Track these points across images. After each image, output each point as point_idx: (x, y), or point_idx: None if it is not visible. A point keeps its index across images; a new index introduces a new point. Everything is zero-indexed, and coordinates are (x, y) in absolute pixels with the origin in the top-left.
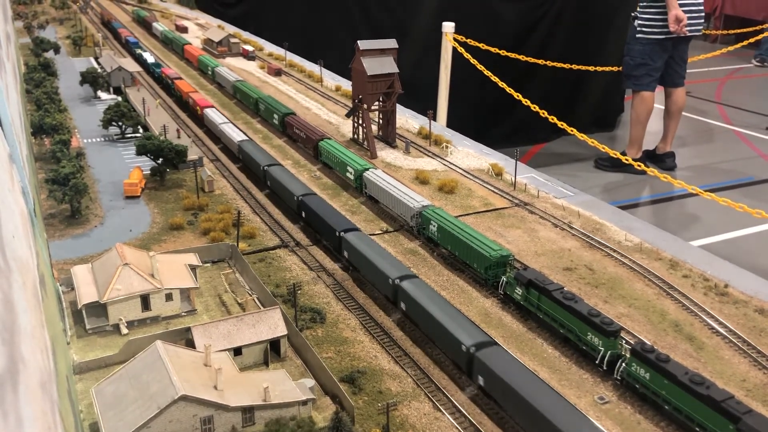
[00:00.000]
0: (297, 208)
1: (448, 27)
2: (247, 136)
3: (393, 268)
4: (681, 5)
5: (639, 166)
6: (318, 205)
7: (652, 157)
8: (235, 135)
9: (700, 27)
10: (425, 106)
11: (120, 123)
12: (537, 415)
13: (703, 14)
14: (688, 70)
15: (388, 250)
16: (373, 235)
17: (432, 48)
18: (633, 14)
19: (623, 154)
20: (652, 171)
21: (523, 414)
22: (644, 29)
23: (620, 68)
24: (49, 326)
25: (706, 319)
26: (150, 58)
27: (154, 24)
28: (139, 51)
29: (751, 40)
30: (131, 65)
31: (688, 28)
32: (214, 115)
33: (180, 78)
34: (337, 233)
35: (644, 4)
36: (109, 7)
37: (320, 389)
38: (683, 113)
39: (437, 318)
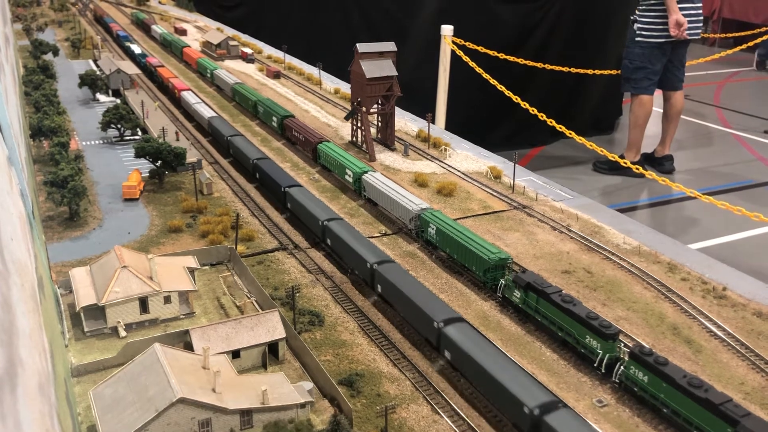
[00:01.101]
0: (282, 198)
1: (447, 30)
2: (216, 112)
3: (370, 253)
4: (680, 9)
5: (637, 169)
6: (299, 193)
7: (650, 160)
8: (206, 112)
9: (699, 31)
10: (424, 109)
11: (119, 125)
12: (496, 384)
13: (702, 18)
14: (688, 73)
15: (387, 252)
16: (372, 237)
17: (430, 51)
18: (632, 18)
19: (621, 157)
20: (650, 174)
21: (484, 383)
22: (644, 33)
23: (619, 71)
24: (48, 329)
25: (705, 322)
26: (137, 50)
27: (153, 27)
28: (128, 43)
29: (750, 44)
30: (130, 68)
31: (688, 32)
32: (189, 96)
33: (162, 66)
34: (321, 222)
35: (643, 7)
36: (107, 9)
37: (318, 392)
38: (681, 116)
39: (411, 299)
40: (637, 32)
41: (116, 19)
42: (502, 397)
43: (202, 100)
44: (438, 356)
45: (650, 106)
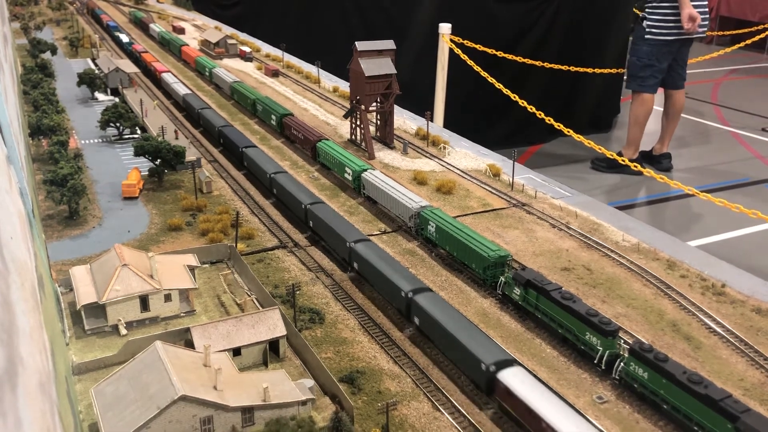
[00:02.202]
0: (268, 183)
1: (445, 28)
2: (191, 89)
3: (349, 232)
4: (668, 8)
5: (635, 167)
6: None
7: (648, 158)
8: (181, 90)
9: (706, 28)
10: (422, 107)
11: (118, 124)
12: (457, 344)
13: (708, 16)
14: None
15: (386, 251)
16: (372, 235)
17: (429, 49)
18: (641, 14)
19: (619, 154)
20: (648, 172)
21: (448, 345)
22: (653, 30)
23: (618, 70)
24: (48, 327)
25: (704, 318)
26: (125, 38)
27: (151, 25)
28: (117, 33)
29: (749, 42)
30: (128, 66)
31: (699, 28)
32: (168, 77)
33: (146, 52)
34: (304, 206)
35: (653, 4)
36: (105, 8)
37: (319, 389)
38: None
39: (383, 272)
40: (647, 29)
41: (112, 17)
42: (463, 356)
43: (180, 80)
44: (416, 332)
45: (652, 104)
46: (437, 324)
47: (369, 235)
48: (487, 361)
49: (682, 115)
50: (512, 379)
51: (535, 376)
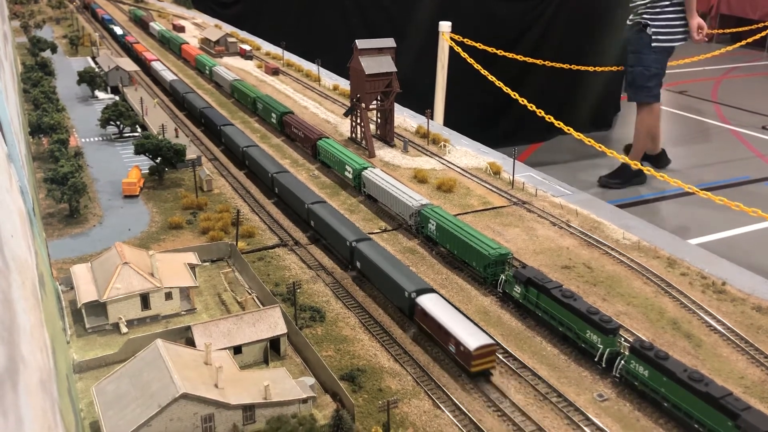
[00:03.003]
0: (218, 135)
1: (445, 26)
2: (178, 76)
3: (307, 194)
4: (669, 13)
5: (648, 170)
6: (232, 130)
7: (648, 160)
8: (169, 76)
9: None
10: (423, 105)
11: (118, 122)
12: (387, 278)
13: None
14: (684, 70)
15: (387, 248)
16: (372, 233)
17: (429, 47)
18: (642, 23)
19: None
20: (661, 176)
21: (381, 281)
22: (660, 37)
23: (618, 68)
24: (49, 325)
25: (704, 316)
26: (119, 30)
27: (151, 24)
28: (111, 26)
29: (749, 40)
30: (129, 65)
31: (679, 37)
32: (157, 65)
33: (138, 42)
34: (270, 174)
35: (657, 10)
36: (105, 6)
37: (320, 387)
38: (678, 111)
39: (330, 225)
40: (654, 37)
41: (107, 11)
42: (392, 287)
43: (167, 67)
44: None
45: (660, 113)
46: (373, 264)
47: (369, 234)
48: (409, 289)
49: (683, 113)
50: (427, 302)
51: (448, 301)
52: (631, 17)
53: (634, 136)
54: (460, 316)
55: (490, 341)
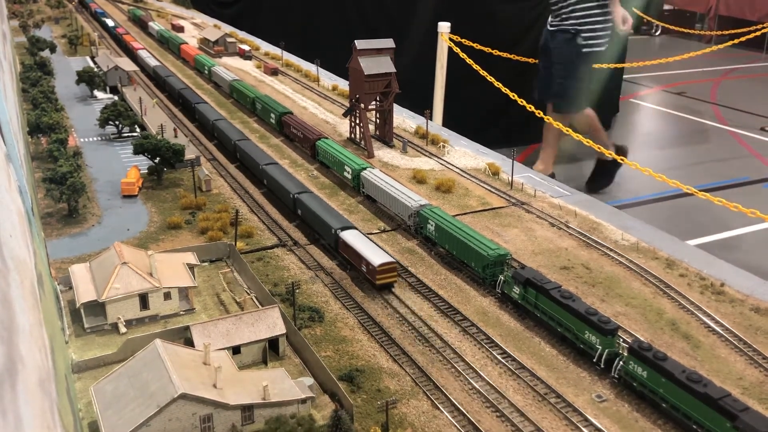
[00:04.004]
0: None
1: (444, 27)
2: (161, 62)
3: (262, 156)
4: (599, 15)
5: (648, 171)
6: (224, 124)
7: (600, 167)
8: (152, 62)
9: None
10: (422, 105)
11: (117, 122)
12: (319, 220)
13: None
14: (684, 70)
15: (385, 248)
16: (371, 234)
17: (428, 48)
18: (571, 30)
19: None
20: (647, 171)
21: (315, 222)
22: (590, 42)
23: (618, 66)
24: (48, 325)
25: (703, 317)
26: (111, 23)
27: (150, 23)
28: (104, 18)
29: (744, 38)
30: (128, 64)
31: (601, 41)
32: (143, 53)
33: (128, 33)
34: (233, 142)
35: (584, 13)
36: (104, 6)
37: (319, 388)
38: (678, 113)
39: (276, 179)
40: (584, 43)
41: (104, 8)
42: (323, 226)
43: (153, 55)
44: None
45: (594, 115)
46: (309, 210)
47: (368, 234)
48: (334, 227)
49: (682, 114)
50: (348, 235)
51: (365, 234)
52: (551, 20)
53: (595, 138)
54: (372, 245)
55: (392, 260)
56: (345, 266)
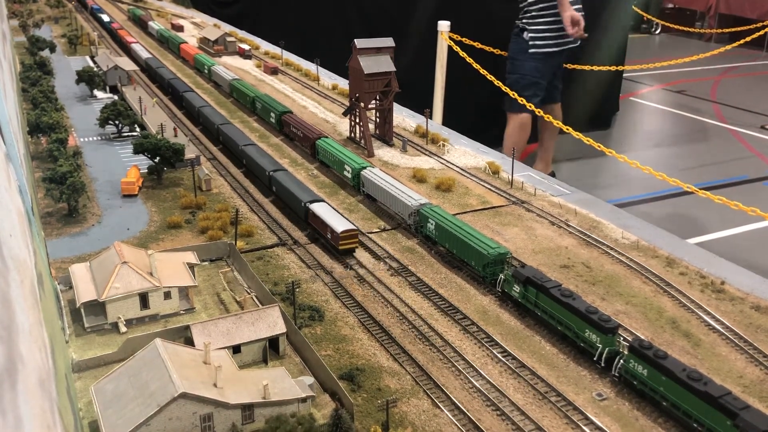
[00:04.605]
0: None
1: (444, 26)
2: (152, 53)
3: (241, 138)
4: (550, 16)
5: (648, 170)
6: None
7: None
8: (144, 54)
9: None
10: (422, 104)
11: (117, 122)
12: (291, 194)
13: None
14: (683, 69)
15: (386, 248)
16: (371, 233)
17: (428, 47)
18: (518, 26)
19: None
20: (660, 175)
21: (287, 197)
22: (537, 42)
23: (618, 67)
24: (48, 325)
25: (703, 316)
26: (106, 18)
27: (150, 23)
28: (100, 14)
29: (748, 39)
30: (127, 64)
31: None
32: (136, 47)
33: (122, 28)
34: (216, 126)
35: (533, 14)
36: (105, 6)
37: (319, 387)
38: (677, 111)
39: (254, 159)
40: (530, 42)
41: (107, 12)
42: (293, 199)
43: (144, 47)
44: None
45: (530, 126)
46: (282, 186)
47: (369, 233)
48: (304, 199)
49: (681, 112)
50: (316, 207)
51: (331, 206)
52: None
53: (504, 147)
54: (337, 215)
55: (353, 227)
56: (314, 236)
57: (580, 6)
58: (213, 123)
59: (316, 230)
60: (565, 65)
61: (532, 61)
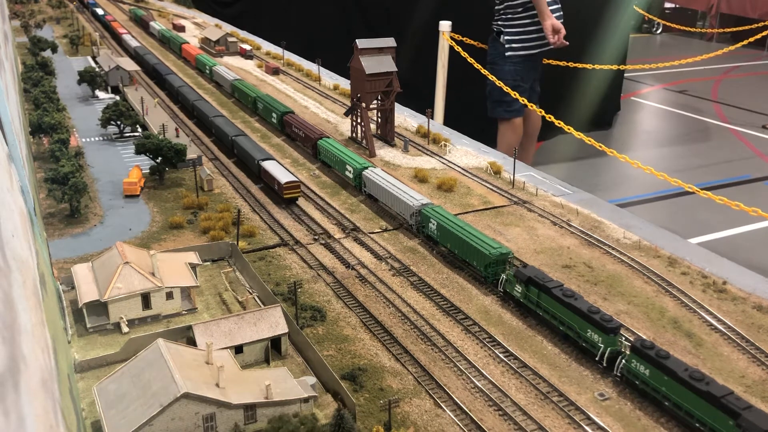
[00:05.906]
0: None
1: (445, 26)
2: (141, 42)
3: (210, 109)
4: (527, 18)
5: (649, 170)
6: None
7: None
8: (134, 43)
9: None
10: (423, 104)
11: (118, 122)
12: (246, 153)
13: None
14: (684, 69)
15: (387, 248)
16: (373, 233)
17: (429, 47)
18: (496, 29)
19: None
20: (649, 169)
21: (245, 157)
22: (514, 45)
23: (619, 66)
24: (50, 325)
25: (705, 315)
26: (100, 11)
27: (152, 23)
28: (95, 8)
29: (751, 39)
30: (129, 64)
31: (547, 41)
32: (127, 37)
33: (115, 20)
34: (191, 102)
35: (509, 16)
36: (106, 6)
37: (321, 387)
38: (678, 111)
39: (243, 147)
40: (507, 46)
41: (113, 15)
42: (249, 159)
43: (135, 38)
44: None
45: (521, 129)
46: (241, 148)
47: (370, 233)
48: (257, 158)
49: (683, 112)
50: (267, 164)
51: (280, 164)
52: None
53: (499, 149)
54: (284, 170)
55: (295, 179)
56: (266, 191)
57: (561, 14)
58: (207, 115)
59: (267, 184)
60: (566, 64)
61: (509, 65)
